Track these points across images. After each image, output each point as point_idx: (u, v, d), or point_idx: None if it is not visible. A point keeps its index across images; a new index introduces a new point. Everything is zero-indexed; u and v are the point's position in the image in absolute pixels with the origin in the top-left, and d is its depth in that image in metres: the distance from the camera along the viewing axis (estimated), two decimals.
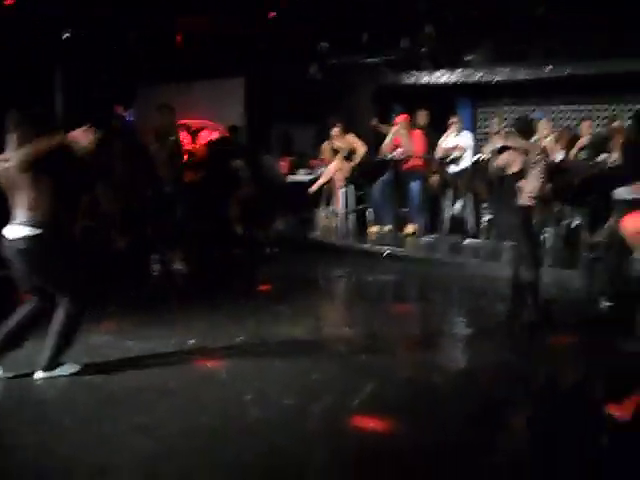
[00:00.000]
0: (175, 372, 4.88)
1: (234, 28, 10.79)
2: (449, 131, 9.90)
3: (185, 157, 9.59)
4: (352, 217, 10.38)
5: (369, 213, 10.49)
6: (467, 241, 9.43)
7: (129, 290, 7.27)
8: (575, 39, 9.25)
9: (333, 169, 10.05)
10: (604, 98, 10.63)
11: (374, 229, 10.28)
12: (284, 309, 6.59)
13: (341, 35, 10.76)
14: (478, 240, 9.43)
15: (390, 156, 10.14)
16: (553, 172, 8.87)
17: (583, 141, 8.84)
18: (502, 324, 6.28)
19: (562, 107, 11.21)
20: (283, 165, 11.16)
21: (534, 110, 11.27)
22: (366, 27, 10.69)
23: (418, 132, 10.19)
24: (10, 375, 4.63)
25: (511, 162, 6.45)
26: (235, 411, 4.19)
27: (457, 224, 9.83)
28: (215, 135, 10.91)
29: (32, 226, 4.34)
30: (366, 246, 9.49)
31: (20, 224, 4.36)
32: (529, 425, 4.11)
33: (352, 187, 10.28)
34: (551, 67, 9.70)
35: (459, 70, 10.63)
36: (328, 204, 10.36)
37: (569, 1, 9.32)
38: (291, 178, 10.97)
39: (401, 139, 10.03)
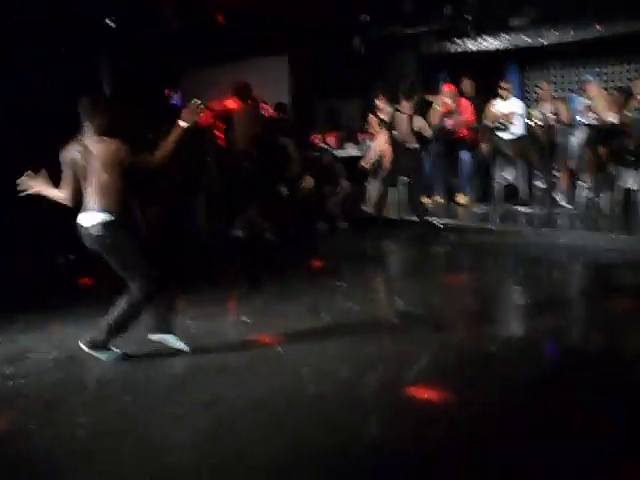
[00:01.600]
0: (232, 349, 4.91)
1: (274, 5, 10.74)
2: (498, 98, 9.73)
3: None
4: (402, 189, 10.29)
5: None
6: (521, 209, 9.29)
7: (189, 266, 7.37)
8: None
9: (382, 141, 9.95)
10: None
11: (425, 200, 10.18)
12: (339, 283, 6.60)
13: (382, 6, 10.61)
14: (531, 208, 9.28)
15: (438, 126, 10.01)
16: (607, 134, 8.72)
17: (637, 101, 8.58)
18: (559, 292, 6.19)
19: (613, 68, 10.92)
20: (330, 140, 11.10)
21: (584, 72, 11.05)
22: None
23: (465, 101, 10.05)
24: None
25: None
26: (292, 385, 4.21)
27: (509, 192, 9.69)
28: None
29: (107, 212, 4.46)
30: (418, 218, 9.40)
31: (95, 211, 4.48)
32: (588, 394, 4.02)
33: None
34: (600, 27, 9.42)
35: (505, 35, 10.41)
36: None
37: None
38: (340, 152, 10.91)
39: (449, 108, 9.90)
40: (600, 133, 8.73)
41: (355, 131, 11.37)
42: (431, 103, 10.09)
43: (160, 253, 5.00)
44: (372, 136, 10.16)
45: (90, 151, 4.51)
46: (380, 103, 9.91)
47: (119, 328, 4.64)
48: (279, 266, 7.71)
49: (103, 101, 4.74)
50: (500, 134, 9.67)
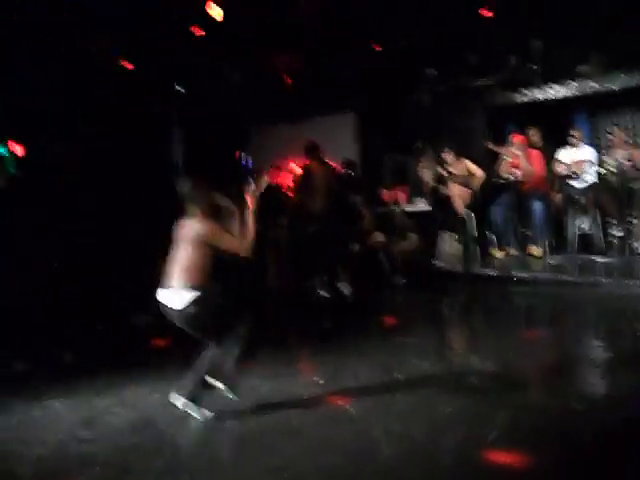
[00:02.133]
0: (303, 411, 4.84)
1: (340, 64, 10.90)
2: (568, 146, 9.58)
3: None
4: (475, 242, 10.14)
5: (492, 237, 10.22)
6: (597, 259, 9.03)
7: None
8: None
9: (453, 196, 9.88)
10: None
11: (498, 254, 10.00)
12: (411, 340, 6.47)
13: (448, 58, 10.64)
14: (608, 258, 9.00)
15: (509, 177, 9.89)
16: None
17: None
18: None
19: None
20: (400, 196, 11.06)
21: None
22: (472, 48, 10.54)
23: (536, 151, 9.91)
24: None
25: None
26: (365, 449, 4.10)
27: (584, 242, 9.43)
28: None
29: (191, 289, 4.53)
30: (491, 271, 9.23)
31: (179, 288, 4.54)
32: None
33: (472, 213, 10.06)
34: None
35: (572, 83, 10.27)
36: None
37: None
38: (409, 207, 10.86)
39: (519, 160, 9.78)
40: None
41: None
42: (496, 154, 10.02)
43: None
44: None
45: (184, 229, 4.66)
46: (448, 157, 9.85)
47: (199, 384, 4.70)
48: (351, 324, 7.63)
49: (204, 182, 4.86)
50: (572, 183, 9.47)
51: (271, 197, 10.16)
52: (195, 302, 4.51)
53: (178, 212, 4.73)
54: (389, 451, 4.05)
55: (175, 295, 4.55)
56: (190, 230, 4.62)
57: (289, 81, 11.59)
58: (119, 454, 4.34)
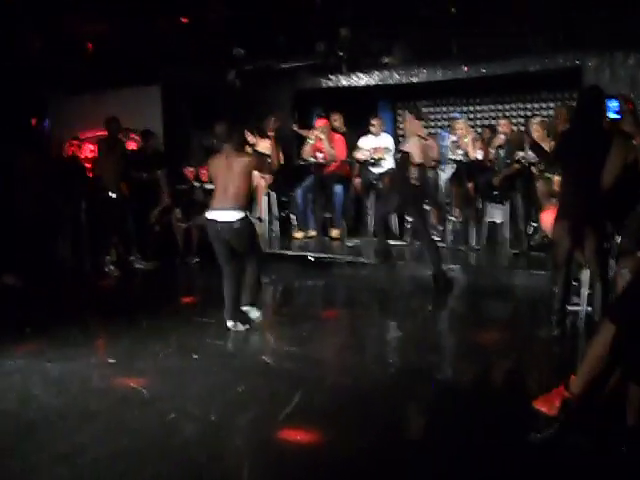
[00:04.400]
0: (96, 394, 4.70)
1: (145, 34, 10.59)
2: (369, 133, 9.90)
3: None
4: (276, 224, 10.27)
5: (293, 219, 10.39)
6: (393, 242, 9.42)
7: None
8: (490, 38, 9.34)
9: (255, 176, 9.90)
10: (521, 97, 10.83)
11: (299, 235, 10.18)
12: (208, 321, 6.44)
13: (256, 40, 10.63)
14: (403, 242, 9.44)
15: (312, 160, 10.07)
16: (473, 170, 9.01)
17: (501, 139, 8.91)
18: (429, 323, 6.31)
19: (480, 106, 11.37)
20: (203, 173, 10.93)
21: (453, 110, 11.43)
22: (282, 31, 10.60)
23: (339, 136, 10.15)
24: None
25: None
26: (158, 431, 4.05)
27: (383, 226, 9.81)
28: (133, 145, 10.61)
29: (240, 210, 5.88)
30: (291, 252, 9.38)
31: (231, 209, 5.87)
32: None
33: (274, 194, 10.17)
34: (467, 68, 9.78)
35: (377, 72, 10.63)
36: (250, 211, 10.21)
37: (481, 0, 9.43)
38: (211, 185, 10.76)
39: (322, 143, 9.97)
40: (467, 169, 9.01)
41: None
42: (304, 138, 10.17)
43: None
44: None
45: (233, 163, 5.97)
46: (250, 138, 9.84)
47: (260, 284, 6.33)
48: (146, 303, 7.49)
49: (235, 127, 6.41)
50: (371, 168, 9.81)
51: (68, 170, 9.75)
52: (243, 219, 5.88)
53: None
54: (181, 433, 4.04)
55: (229, 213, 5.85)
56: (238, 164, 5.93)
57: (90, 48, 11.10)
58: None
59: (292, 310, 7.19)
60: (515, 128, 9.65)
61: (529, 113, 10.35)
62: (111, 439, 3.95)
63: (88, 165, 10.01)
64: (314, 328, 6.37)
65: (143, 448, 3.83)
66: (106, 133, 9.25)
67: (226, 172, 5.96)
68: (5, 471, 3.65)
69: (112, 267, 8.89)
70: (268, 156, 8.29)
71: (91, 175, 9.64)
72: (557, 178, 6.93)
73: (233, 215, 5.87)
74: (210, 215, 5.97)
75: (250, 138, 9.80)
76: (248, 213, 6.06)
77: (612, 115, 5.26)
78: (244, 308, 6.18)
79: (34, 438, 4.03)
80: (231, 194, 5.90)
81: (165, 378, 4.94)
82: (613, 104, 5.29)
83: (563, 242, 5.36)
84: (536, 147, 6.97)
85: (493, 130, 9.54)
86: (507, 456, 3.62)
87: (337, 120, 10.29)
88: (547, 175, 7.97)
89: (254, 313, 6.24)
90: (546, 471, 3.46)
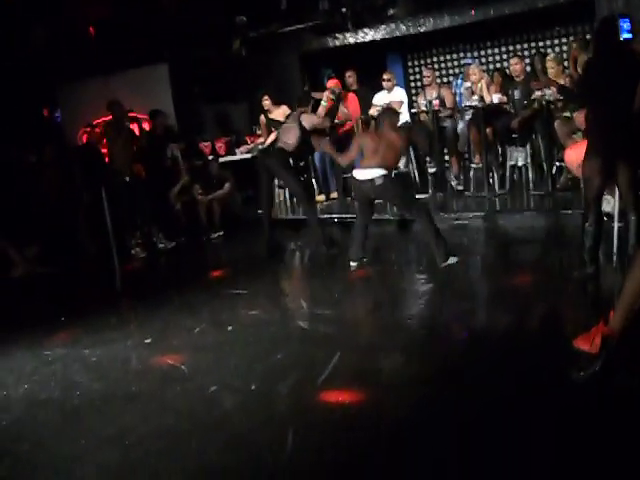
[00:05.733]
0: (136, 375, 4.73)
1: (147, 13, 10.51)
2: (384, 90, 9.78)
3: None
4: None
5: (314, 183, 10.34)
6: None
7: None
8: None
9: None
10: (532, 35, 10.62)
11: (320, 198, 10.13)
12: (240, 292, 6.45)
13: (258, 5, 10.49)
14: (425, 194, 9.36)
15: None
16: (491, 114, 8.87)
17: (517, 80, 8.74)
18: (459, 273, 6.27)
19: (492, 50, 11.17)
20: (219, 146, 10.91)
21: (464, 56, 11.25)
22: None
23: (351, 94, 10.04)
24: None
25: None
26: (201, 406, 4.06)
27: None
28: (147, 125, 10.57)
29: (383, 168, 6.39)
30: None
31: (375, 168, 6.40)
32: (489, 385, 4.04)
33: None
34: (474, 11, 9.57)
35: (384, 26, 10.45)
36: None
37: None
38: (229, 158, 10.74)
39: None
40: (484, 114, 8.86)
41: (244, 134, 11.26)
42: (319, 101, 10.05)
43: None
44: (263, 137, 10.00)
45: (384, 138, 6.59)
46: (267, 104, 9.78)
47: (440, 237, 6.33)
48: (176, 280, 7.52)
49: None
50: None
51: (86, 156, 9.73)
52: (385, 177, 6.38)
53: None
54: (223, 406, 4.04)
55: (372, 172, 6.38)
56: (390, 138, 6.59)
57: (92, 31, 11.03)
58: None
59: (321, 272, 7.16)
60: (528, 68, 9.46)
61: (542, 51, 10.15)
62: (155, 418, 3.97)
63: (104, 150, 10.01)
64: (345, 289, 6.36)
65: (187, 424, 3.85)
66: (110, 117, 9.29)
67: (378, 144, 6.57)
68: (56, 456, 3.69)
69: (138, 249, 8.95)
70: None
71: (107, 161, 9.65)
72: (577, 114, 6.81)
73: (375, 173, 6.41)
74: (356, 174, 6.62)
75: (267, 103, 9.74)
76: (389, 173, 6.54)
77: (625, 35, 5.08)
78: (442, 265, 6.28)
79: (81, 423, 4.06)
80: (378, 156, 6.55)
81: (202, 353, 4.95)
82: (625, 24, 5.11)
83: (594, 179, 5.21)
84: (559, 86, 6.84)
85: (505, 74, 9.40)
86: (552, 397, 3.59)
87: (351, 76, 10.17)
88: (565, 115, 7.85)
89: (452, 259, 6.30)
90: (592, 410, 3.42)
